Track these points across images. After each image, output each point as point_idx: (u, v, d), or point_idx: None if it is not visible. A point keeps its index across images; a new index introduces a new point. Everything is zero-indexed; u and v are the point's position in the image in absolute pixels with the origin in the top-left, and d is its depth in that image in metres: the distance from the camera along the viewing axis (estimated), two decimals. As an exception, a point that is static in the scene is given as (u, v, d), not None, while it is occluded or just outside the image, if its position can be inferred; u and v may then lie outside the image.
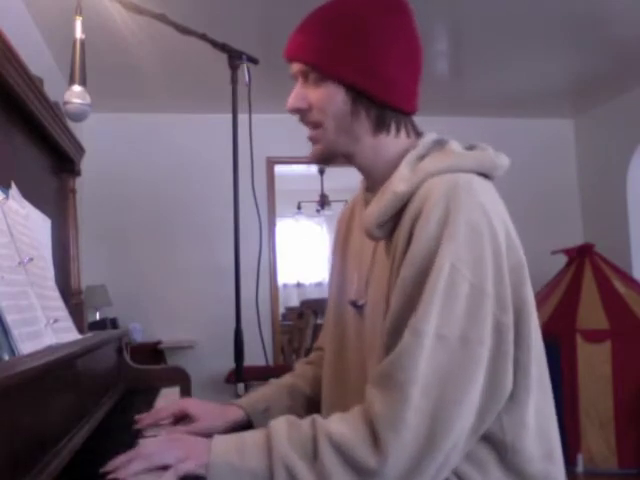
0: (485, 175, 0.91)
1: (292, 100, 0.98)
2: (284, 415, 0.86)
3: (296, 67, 0.98)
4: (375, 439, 0.77)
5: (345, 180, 7.07)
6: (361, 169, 1.02)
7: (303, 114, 0.98)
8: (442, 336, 0.78)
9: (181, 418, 1.06)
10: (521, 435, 0.85)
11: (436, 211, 0.82)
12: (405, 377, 0.78)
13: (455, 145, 0.94)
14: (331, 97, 0.94)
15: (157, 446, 0.82)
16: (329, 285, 1.22)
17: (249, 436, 0.83)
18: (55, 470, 0.80)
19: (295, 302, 8.28)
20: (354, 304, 1.01)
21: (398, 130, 0.97)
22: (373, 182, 1.01)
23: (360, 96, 0.94)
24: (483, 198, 0.85)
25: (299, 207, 7.68)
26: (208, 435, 0.87)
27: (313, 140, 0.99)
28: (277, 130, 4.38)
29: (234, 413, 1.09)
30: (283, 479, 0.77)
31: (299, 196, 7.57)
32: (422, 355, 0.78)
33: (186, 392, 1.54)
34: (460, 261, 0.80)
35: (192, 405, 1.07)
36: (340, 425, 0.80)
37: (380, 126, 0.96)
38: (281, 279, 5.40)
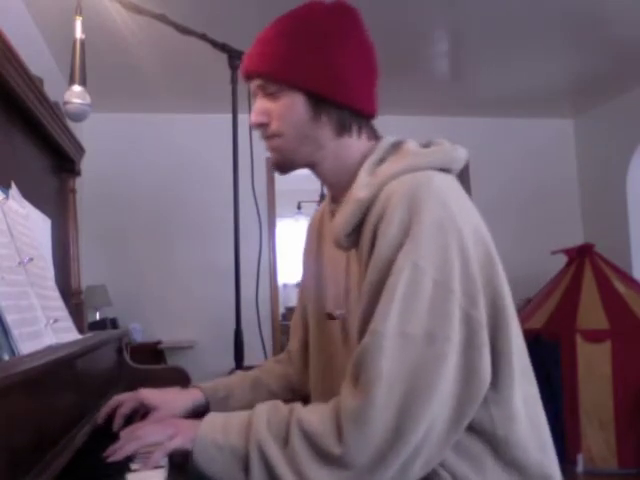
0: (445, 170, 0.90)
1: (254, 116, 0.96)
2: (272, 400, 0.89)
3: (254, 83, 0.97)
4: (339, 431, 0.79)
5: (345, 180, 7.11)
6: (324, 178, 1.01)
7: (264, 129, 0.97)
8: (406, 334, 0.79)
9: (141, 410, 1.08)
10: (512, 427, 0.85)
11: (398, 213, 0.82)
12: (367, 377, 0.79)
13: (412, 144, 0.93)
14: (292, 106, 0.93)
15: (149, 427, 0.89)
16: (301, 291, 1.22)
17: (236, 416, 0.87)
18: (55, 470, 0.80)
19: (295, 302, 8.25)
20: (330, 316, 1.01)
21: (360, 133, 0.97)
22: (336, 192, 1.01)
23: (320, 101, 0.93)
24: (445, 195, 0.84)
25: (299, 207, 7.67)
26: None
27: (271, 149, 0.98)
28: (277, 130, 4.37)
29: (193, 396, 1.12)
30: (256, 458, 0.80)
31: (299, 196, 7.54)
32: (383, 355, 0.78)
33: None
34: (423, 259, 0.80)
35: (149, 396, 1.08)
36: (311, 413, 0.83)
37: (342, 129, 0.95)
38: (281, 279, 5.38)
